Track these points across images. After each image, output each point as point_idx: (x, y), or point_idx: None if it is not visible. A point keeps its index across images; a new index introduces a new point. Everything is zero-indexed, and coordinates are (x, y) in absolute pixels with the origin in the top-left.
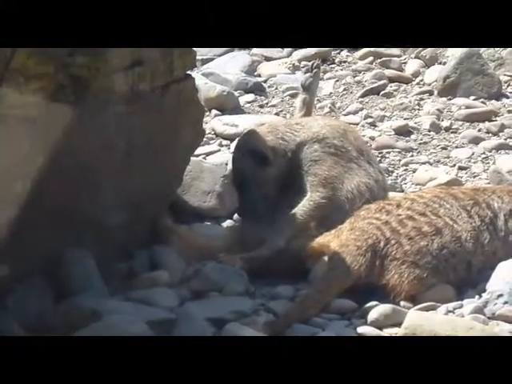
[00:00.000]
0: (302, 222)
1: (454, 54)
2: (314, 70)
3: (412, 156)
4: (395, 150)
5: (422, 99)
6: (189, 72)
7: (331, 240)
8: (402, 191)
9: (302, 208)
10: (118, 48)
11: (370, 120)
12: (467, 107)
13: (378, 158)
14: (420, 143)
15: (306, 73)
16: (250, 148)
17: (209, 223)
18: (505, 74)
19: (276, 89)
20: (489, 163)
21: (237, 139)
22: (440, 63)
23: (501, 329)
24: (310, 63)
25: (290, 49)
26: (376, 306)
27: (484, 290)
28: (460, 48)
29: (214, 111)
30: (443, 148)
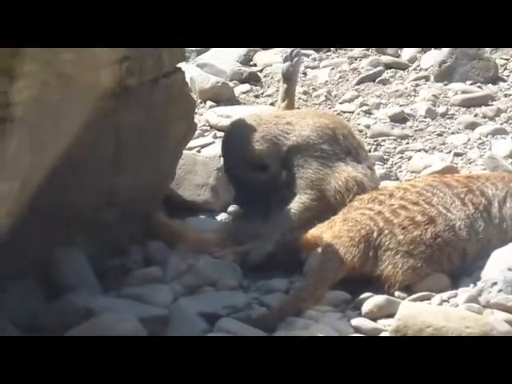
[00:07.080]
0: (292, 222)
1: None
2: (295, 59)
3: (407, 143)
4: (390, 137)
5: (418, 85)
6: (179, 65)
7: (324, 231)
8: (397, 179)
9: (292, 209)
10: None
11: (365, 108)
12: (463, 92)
13: (374, 146)
14: (416, 130)
15: (285, 61)
16: (248, 156)
17: (203, 217)
18: (501, 58)
19: (272, 78)
20: (485, 149)
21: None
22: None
23: (495, 317)
24: (289, 51)
25: None
26: (370, 297)
27: (479, 279)
28: None
29: (209, 102)
30: (439, 134)
